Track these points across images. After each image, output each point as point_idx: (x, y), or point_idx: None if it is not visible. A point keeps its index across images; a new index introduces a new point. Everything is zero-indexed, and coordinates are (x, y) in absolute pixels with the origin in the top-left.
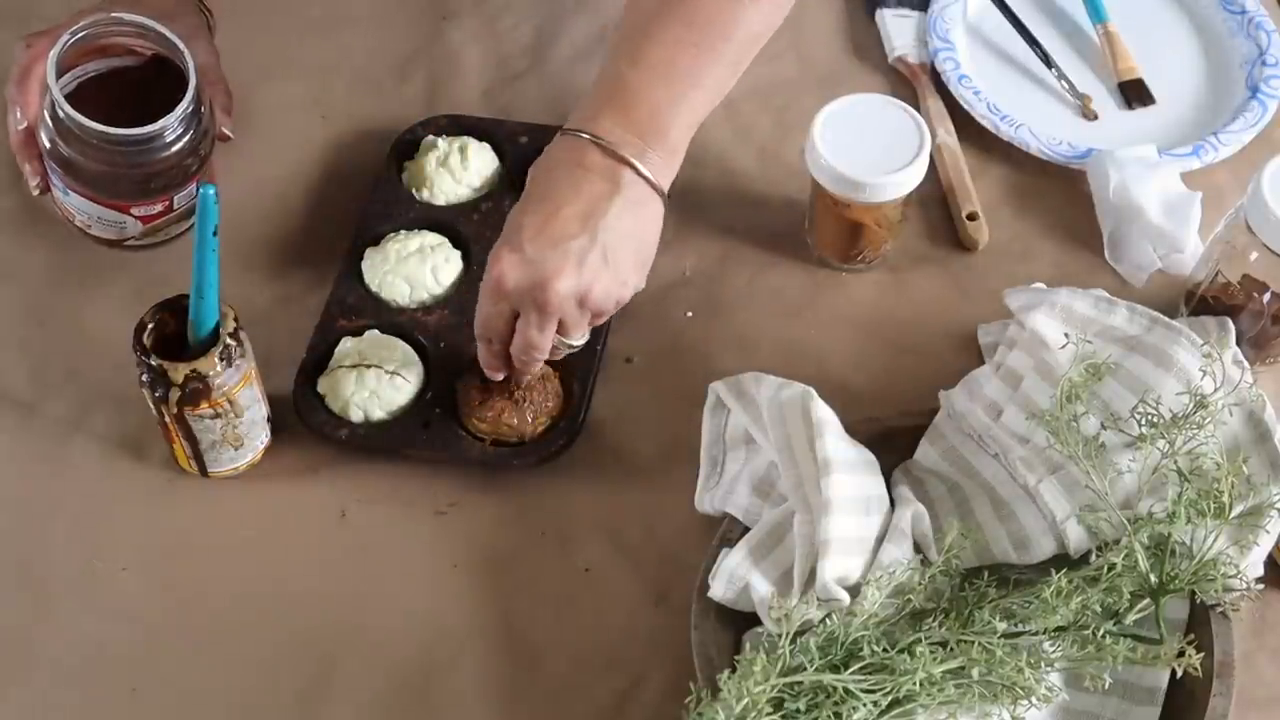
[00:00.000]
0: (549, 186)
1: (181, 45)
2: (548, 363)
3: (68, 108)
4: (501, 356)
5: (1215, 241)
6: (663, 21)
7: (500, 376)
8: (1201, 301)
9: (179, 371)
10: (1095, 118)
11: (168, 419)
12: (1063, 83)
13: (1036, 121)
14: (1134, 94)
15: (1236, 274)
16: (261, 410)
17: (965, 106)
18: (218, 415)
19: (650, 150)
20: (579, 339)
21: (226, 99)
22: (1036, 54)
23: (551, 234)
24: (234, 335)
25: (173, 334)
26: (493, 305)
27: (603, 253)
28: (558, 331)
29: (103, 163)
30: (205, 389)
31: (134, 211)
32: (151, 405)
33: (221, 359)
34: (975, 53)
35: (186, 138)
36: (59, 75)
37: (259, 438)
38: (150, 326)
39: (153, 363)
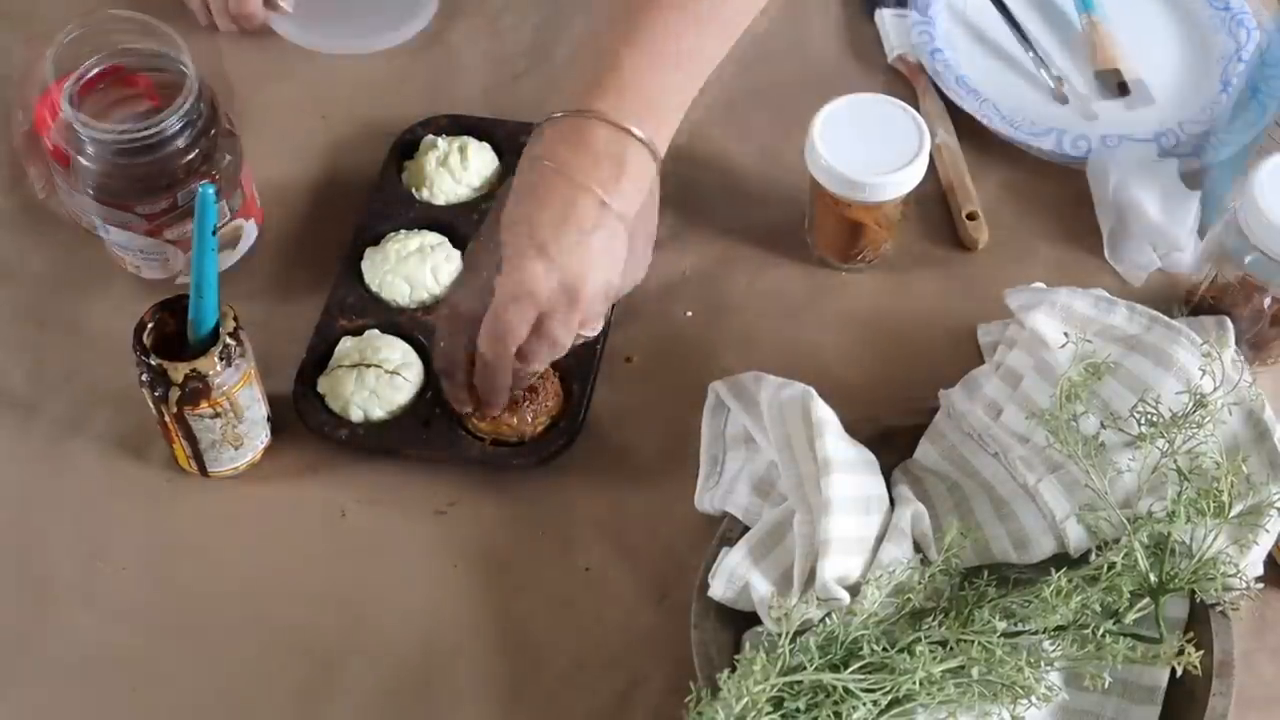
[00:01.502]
0: (554, 176)
1: (179, 39)
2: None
3: (72, 111)
4: (466, 388)
5: (1211, 241)
6: (646, 8)
7: (470, 409)
8: (1200, 302)
9: (179, 371)
10: (1066, 102)
11: (168, 419)
12: (1043, 71)
13: (1010, 106)
14: (1116, 86)
15: (1233, 275)
16: (261, 410)
17: (936, 80)
18: (217, 415)
19: (647, 125)
20: (595, 330)
21: None
22: (1022, 46)
23: (572, 227)
24: (234, 335)
25: (173, 334)
26: (455, 336)
27: (623, 238)
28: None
29: (106, 164)
30: (205, 388)
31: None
32: (151, 405)
33: (221, 359)
34: (969, 48)
35: (191, 136)
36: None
37: (259, 438)
38: (150, 326)
39: (152, 362)
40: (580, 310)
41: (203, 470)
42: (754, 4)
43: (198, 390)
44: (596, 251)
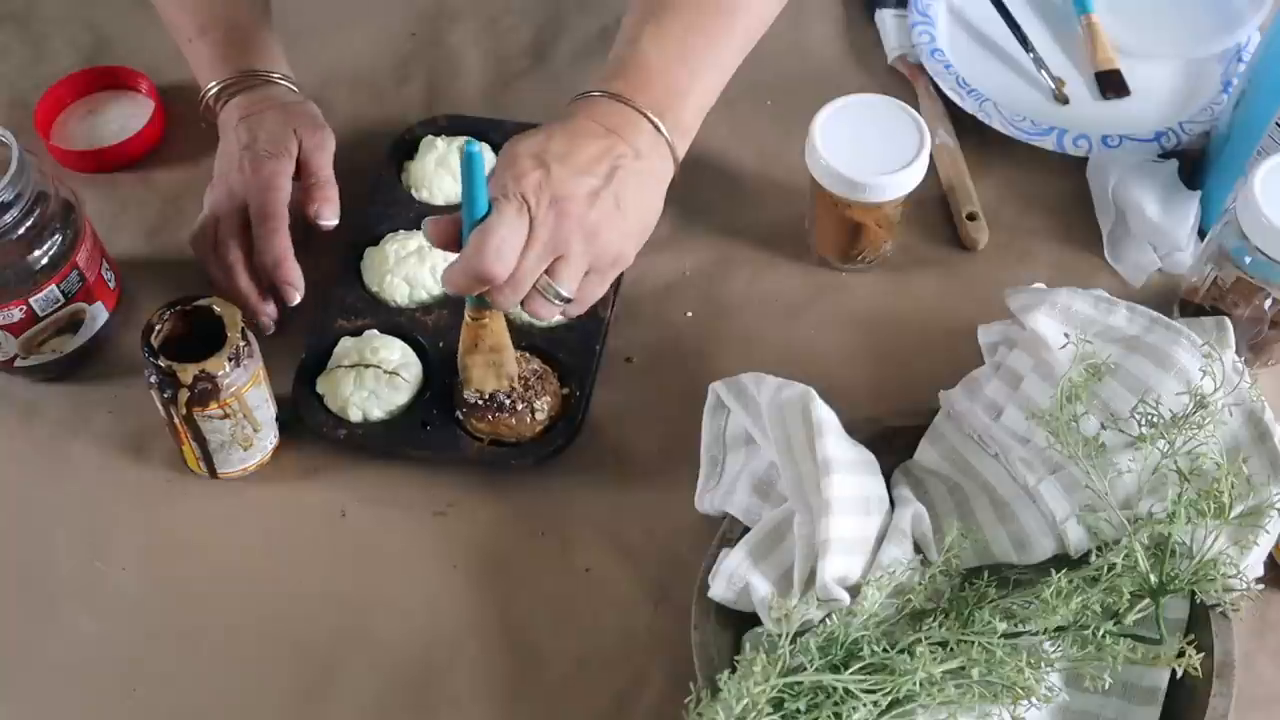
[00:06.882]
0: (573, 129)
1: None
2: (547, 362)
3: None
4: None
5: (1210, 243)
6: (676, 5)
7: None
8: (1199, 303)
9: (188, 372)
10: (1066, 102)
11: (177, 420)
12: (1043, 71)
13: (1010, 106)
14: (1116, 86)
15: (1231, 276)
16: (270, 410)
17: (936, 80)
18: (226, 415)
19: (666, 122)
20: (568, 289)
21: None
22: (1022, 46)
23: (575, 163)
24: (242, 335)
25: (181, 335)
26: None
27: (615, 200)
28: (550, 274)
29: None
30: (214, 389)
31: None
32: (160, 406)
33: (230, 359)
34: (968, 48)
35: (17, 213)
36: None
37: (268, 438)
38: (158, 328)
39: (161, 364)
40: (567, 224)
41: (211, 471)
42: (767, 17)
43: (207, 391)
44: (588, 191)
